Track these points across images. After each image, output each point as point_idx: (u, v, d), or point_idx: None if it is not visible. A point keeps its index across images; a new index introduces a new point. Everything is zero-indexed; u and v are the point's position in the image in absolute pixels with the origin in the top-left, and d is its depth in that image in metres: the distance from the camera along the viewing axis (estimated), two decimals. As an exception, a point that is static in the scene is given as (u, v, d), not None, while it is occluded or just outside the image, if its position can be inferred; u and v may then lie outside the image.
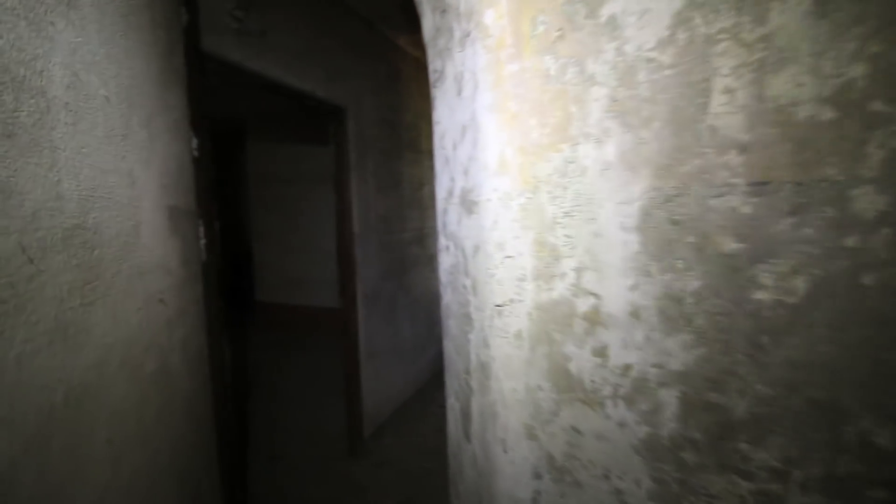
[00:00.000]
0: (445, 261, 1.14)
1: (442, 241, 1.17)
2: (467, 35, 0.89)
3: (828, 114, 0.55)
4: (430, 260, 3.71)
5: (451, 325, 1.12)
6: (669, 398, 0.67)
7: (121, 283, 1.07)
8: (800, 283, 0.57)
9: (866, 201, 0.53)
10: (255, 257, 6.12)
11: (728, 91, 0.60)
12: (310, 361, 4.42)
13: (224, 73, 1.79)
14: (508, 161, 0.82)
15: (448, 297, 1.13)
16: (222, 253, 1.72)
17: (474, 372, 0.96)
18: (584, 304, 0.75)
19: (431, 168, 3.79)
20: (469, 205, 0.95)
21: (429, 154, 3.70)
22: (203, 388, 1.45)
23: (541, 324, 0.80)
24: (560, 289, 0.77)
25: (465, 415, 1.03)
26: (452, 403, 1.13)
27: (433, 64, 1.15)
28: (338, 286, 2.65)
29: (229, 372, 1.62)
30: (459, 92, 0.96)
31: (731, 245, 0.61)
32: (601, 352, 0.74)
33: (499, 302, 0.85)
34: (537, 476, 0.83)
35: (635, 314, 0.69)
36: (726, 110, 0.61)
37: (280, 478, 2.52)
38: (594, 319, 0.74)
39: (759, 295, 0.60)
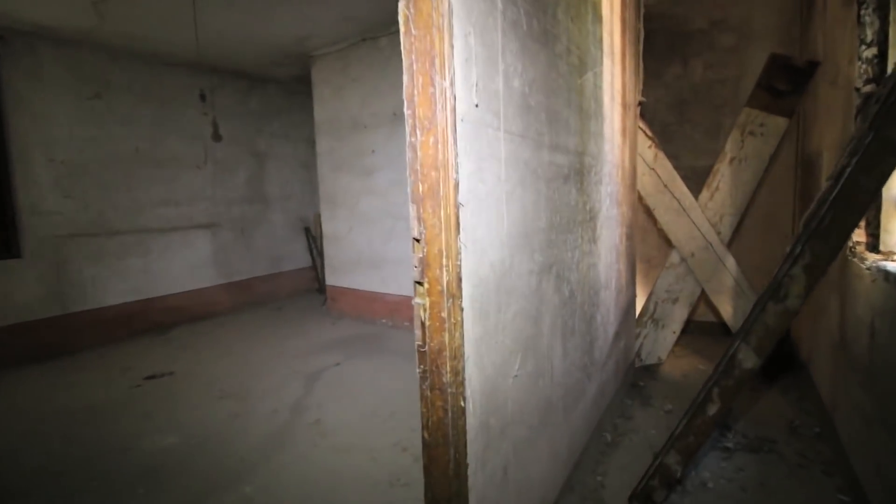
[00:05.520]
0: None
1: None
2: None
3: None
4: (593, 218, 1.93)
5: None
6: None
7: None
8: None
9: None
10: (323, 230, 4.81)
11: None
12: (388, 385, 2.92)
13: None
14: None
15: None
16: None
17: None
18: None
19: (600, 25, 1.95)
20: None
21: None
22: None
23: None
24: None
25: None
26: None
27: None
28: (412, 252, 1.00)
29: None
30: None
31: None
32: None
33: None
34: None
35: None
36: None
37: None
38: None
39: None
